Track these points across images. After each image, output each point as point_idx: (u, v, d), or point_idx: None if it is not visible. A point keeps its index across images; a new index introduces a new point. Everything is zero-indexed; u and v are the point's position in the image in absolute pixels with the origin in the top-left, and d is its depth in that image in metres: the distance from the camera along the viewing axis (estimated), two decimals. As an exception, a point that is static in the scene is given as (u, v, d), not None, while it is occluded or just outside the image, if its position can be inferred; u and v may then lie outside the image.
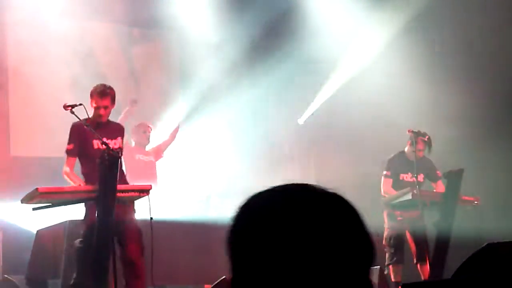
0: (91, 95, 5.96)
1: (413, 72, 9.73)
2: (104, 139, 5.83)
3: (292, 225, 1.14)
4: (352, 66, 10.06)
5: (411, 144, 7.52)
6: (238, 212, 1.22)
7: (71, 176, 5.84)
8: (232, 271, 1.18)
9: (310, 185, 1.24)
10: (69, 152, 5.94)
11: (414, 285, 2.47)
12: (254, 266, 1.14)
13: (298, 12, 10.56)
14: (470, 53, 9.41)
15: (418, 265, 7.53)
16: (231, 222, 1.21)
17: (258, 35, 10.33)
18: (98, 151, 5.79)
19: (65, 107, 5.80)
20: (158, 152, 8.66)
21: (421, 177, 7.44)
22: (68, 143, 5.96)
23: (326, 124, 10.49)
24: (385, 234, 7.54)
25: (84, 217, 5.83)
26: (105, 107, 5.93)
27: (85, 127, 5.84)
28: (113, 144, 5.91)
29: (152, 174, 8.24)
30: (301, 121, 11.05)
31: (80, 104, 5.78)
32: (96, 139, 5.85)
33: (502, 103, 9.23)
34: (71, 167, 5.92)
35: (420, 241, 7.48)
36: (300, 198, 1.19)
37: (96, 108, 5.92)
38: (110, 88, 6.00)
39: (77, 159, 5.99)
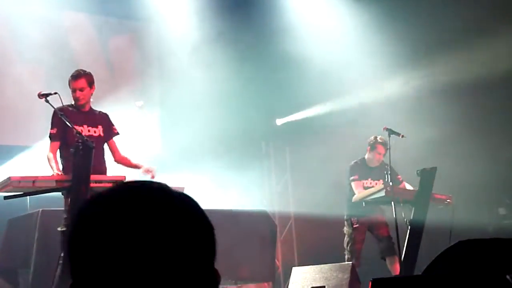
0: (68, 82, 6.02)
1: (393, 72, 9.78)
2: (85, 126, 5.89)
3: (126, 226, 1.10)
4: (331, 64, 10.05)
5: (371, 150, 7.70)
6: (75, 217, 1.18)
7: (51, 163, 5.84)
8: (72, 277, 1.15)
9: (148, 182, 1.20)
10: (52, 137, 5.97)
11: (384, 280, 2.49)
12: (91, 271, 1.11)
13: (280, 11, 10.57)
14: (449, 52, 9.43)
15: (387, 261, 7.66)
16: (69, 228, 1.18)
17: (237, 31, 10.32)
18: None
19: (40, 95, 5.75)
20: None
21: (380, 183, 7.61)
22: (51, 128, 5.98)
23: (302, 122, 10.49)
24: (344, 238, 7.89)
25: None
26: (81, 89, 5.97)
27: (68, 111, 5.88)
28: (92, 132, 5.97)
29: None
30: (279, 122, 11.08)
31: (55, 93, 5.75)
32: (77, 125, 5.85)
33: (476, 103, 9.31)
34: (54, 152, 5.94)
35: (383, 237, 7.67)
36: (135, 198, 1.15)
37: (73, 91, 5.97)
38: (86, 71, 6.05)
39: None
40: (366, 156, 7.90)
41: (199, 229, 1.17)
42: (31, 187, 5.53)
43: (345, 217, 7.94)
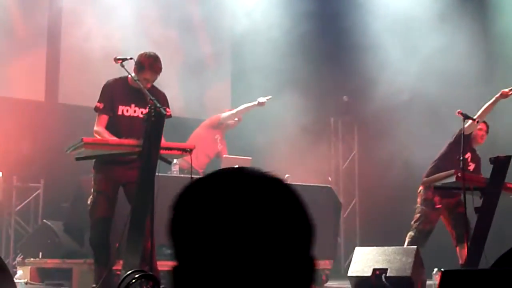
0: (142, 65, 5.71)
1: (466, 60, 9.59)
2: (132, 106, 5.79)
3: (228, 211, 1.14)
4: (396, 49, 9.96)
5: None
6: (176, 201, 1.21)
7: (104, 135, 5.69)
8: (175, 259, 1.18)
9: (246, 168, 1.23)
10: (100, 110, 5.79)
11: (455, 272, 2.42)
12: (196, 254, 1.14)
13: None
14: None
15: (457, 248, 7.42)
16: (170, 212, 1.21)
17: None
18: (122, 117, 5.79)
19: (116, 60, 5.77)
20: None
21: (472, 167, 7.40)
22: (99, 101, 5.81)
23: (372, 103, 10.37)
24: (416, 216, 7.46)
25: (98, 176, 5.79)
26: (153, 81, 5.84)
27: (119, 88, 5.82)
28: (139, 112, 5.76)
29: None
30: (346, 98, 10.98)
31: (131, 58, 5.75)
32: (123, 105, 5.81)
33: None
34: (103, 125, 5.76)
35: (459, 224, 7.38)
36: (236, 184, 1.18)
37: (144, 80, 5.72)
38: (160, 61, 5.78)
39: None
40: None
41: (298, 216, 1.20)
42: (103, 150, 5.61)
43: (422, 193, 7.49)
